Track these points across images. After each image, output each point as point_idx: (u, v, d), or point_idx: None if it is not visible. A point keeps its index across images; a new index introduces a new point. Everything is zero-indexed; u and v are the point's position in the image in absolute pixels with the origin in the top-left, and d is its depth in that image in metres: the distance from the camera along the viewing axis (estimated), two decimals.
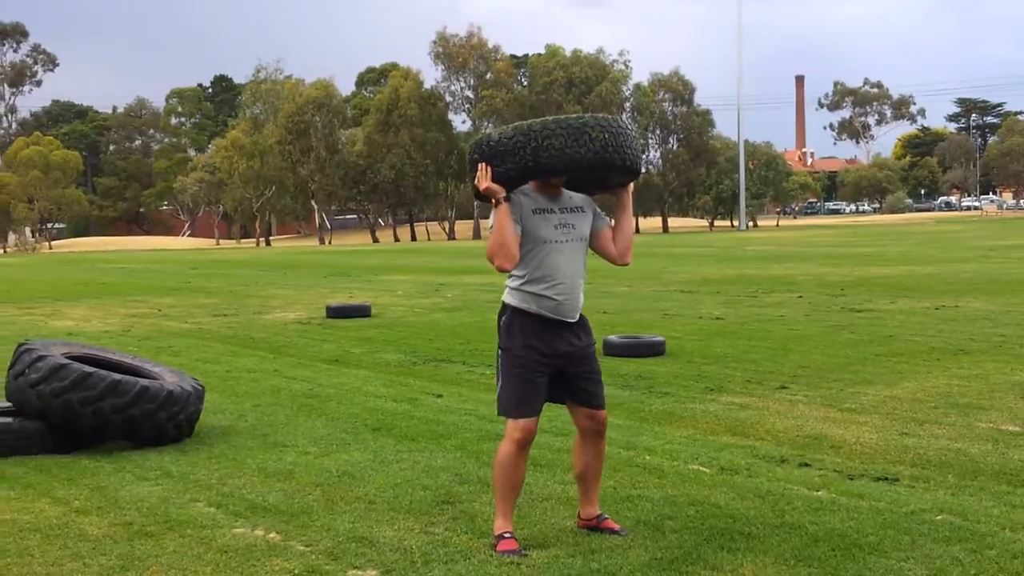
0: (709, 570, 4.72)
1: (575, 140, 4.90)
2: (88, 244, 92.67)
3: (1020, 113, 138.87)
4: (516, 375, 5.08)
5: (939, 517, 5.43)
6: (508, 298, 5.18)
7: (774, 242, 48.67)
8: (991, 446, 7.03)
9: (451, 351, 12.54)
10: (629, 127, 5.13)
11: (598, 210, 5.31)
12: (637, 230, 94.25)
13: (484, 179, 4.97)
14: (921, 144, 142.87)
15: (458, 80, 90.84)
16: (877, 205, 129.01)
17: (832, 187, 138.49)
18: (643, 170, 6.06)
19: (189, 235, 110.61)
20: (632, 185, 5.34)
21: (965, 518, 5.41)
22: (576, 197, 5.24)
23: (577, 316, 5.18)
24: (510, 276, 5.16)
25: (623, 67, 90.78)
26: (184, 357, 12.41)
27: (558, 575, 4.73)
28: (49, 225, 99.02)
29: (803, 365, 10.74)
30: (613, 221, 5.35)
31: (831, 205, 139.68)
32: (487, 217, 5.15)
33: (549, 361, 5.09)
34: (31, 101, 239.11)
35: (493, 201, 4.98)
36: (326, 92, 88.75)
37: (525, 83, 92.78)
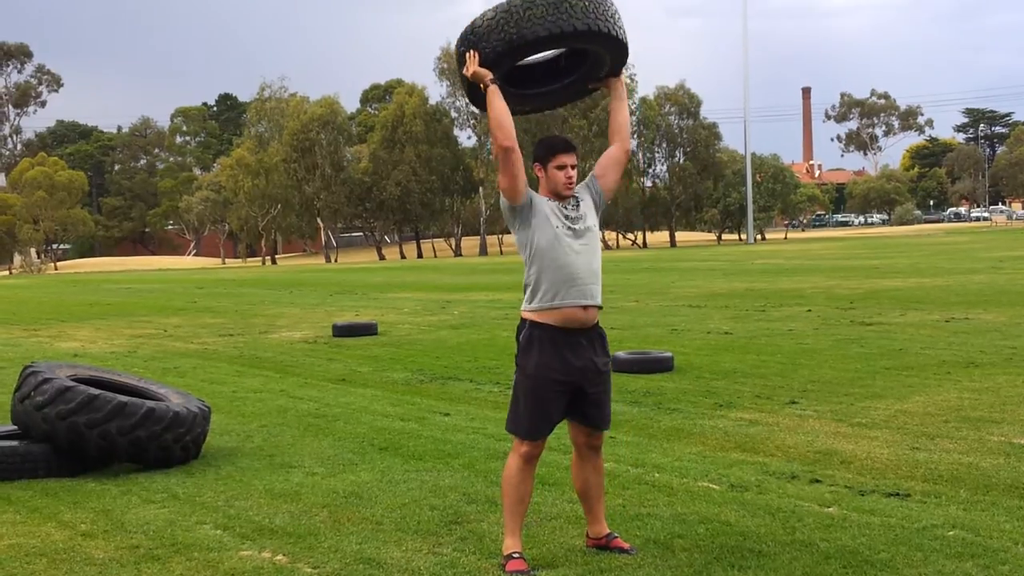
0: None
1: (555, 9, 4.95)
2: (94, 264, 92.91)
3: None
4: (529, 396, 5.07)
5: (951, 533, 5.39)
6: (526, 309, 5.16)
7: (782, 255, 48.62)
8: (1003, 460, 6.98)
9: (458, 369, 12.51)
10: None
11: (587, 178, 5.38)
12: (644, 244, 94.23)
13: (472, 64, 5.07)
14: (929, 155, 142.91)
15: (463, 96, 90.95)
16: (886, 217, 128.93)
17: (840, 199, 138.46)
18: (624, 66, 5.84)
19: (195, 254, 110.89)
20: (623, 74, 5.37)
21: (977, 533, 5.37)
22: (573, 194, 5.22)
23: (597, 300, 5.15)
24: (526, 283, 5.16)
25: (629, 81, 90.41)
26: (190, 378, 12.39)
27: None
28: (55, 246, 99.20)
29: (813, 380, 10.69)
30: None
31: (839, 217, 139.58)
32: (494, 233, 5.19)
33: (565, 380, 5.05)
34: (36, 122, 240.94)
35: (482, 86, 5.05)
36: (331, 109, 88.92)
37: None
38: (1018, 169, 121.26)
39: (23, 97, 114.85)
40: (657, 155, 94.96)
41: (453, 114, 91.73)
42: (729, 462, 7.18)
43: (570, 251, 5.06)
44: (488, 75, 5.03)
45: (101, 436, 7.20)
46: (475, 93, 5.14)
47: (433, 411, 9.63)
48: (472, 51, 5.06)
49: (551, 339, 5.05)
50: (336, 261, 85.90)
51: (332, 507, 6.28)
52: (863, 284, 25.34)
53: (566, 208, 5.14)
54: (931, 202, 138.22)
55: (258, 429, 8.97)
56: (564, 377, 5.04)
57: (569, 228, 5.09)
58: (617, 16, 5.14)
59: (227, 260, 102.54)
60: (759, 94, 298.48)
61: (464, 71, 5.10)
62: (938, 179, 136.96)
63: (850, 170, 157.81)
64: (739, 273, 33.54)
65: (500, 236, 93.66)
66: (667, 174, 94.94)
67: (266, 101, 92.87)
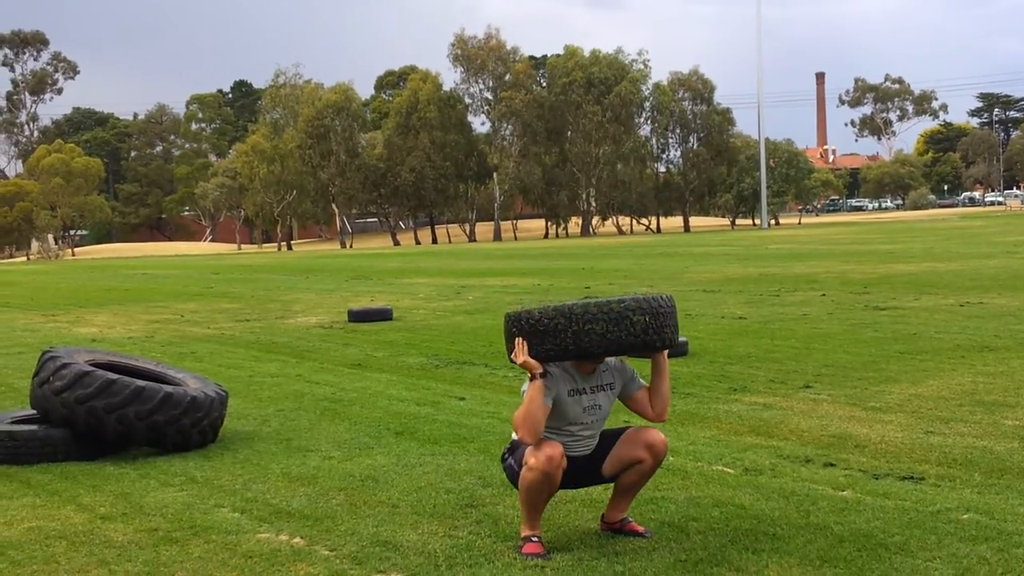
0: (734, 572, 4.70)
1: (616, 325, 4.87)
2: (110, 250, 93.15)
3: None
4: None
5: (965, 516, 5.40)
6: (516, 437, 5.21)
7: (796, 240, 48.51)
8: (1017, 444, 6.98)
9: (473, 353, 12.54)
10: (670, 305, 5.08)
11: (630, 372, 5.29)
12: (658, 230, 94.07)
13: (521, 354, 4.96)
14: (943, 139, 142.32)
15: (477, 82, 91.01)
16: (900, 201, 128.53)
17: (854, 184, 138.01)
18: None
19: (211, 240, 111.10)
20: (667, 351, 5.26)
21: (991, 517, 5.38)
22: (610, 369, 5.21)
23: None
24: None
25: (642, 67, 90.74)
26: (207, 363, 12.45)
27: None
28: (72, 232, 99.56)
29: (827, 364, 10.69)
30: (649, 383, 5.28)
31: (853, 202, 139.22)
32: (508, 219, 5.24)
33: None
34: (52, 109, 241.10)
35: (529, 375, 4.98)
36: (345, 96, 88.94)
37: (544, 84, 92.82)
38: None
39: (39, 84, 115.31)
40: (671, 141, 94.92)
41: (467, 100, 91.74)
42: (743, 446, 7.20)
43: (574, 444, 5.13)
44: (539, 368, 4.95)
45: (119, 420, 7.26)
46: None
47: (448, 395, 9.67)
48: (522, 339, 4.96)
49: None
50: (351, 247, 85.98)
51: (349, 490, 6.32)
52: (877, 269, 25.28)
53: (586, 391, 5.10)
54: (945, 187, 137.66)
55: (275, 413, 9.01)
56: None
57: (581, 431, 5.13)
58: (673, 321, 5.06)
59: (243, 246, 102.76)
60: (773, 79, 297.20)
61: (512, 356, 5.01)
62: (952, 164, 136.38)
63: (864, 155, 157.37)
64: (753, 258, 33.48)
65: (514, 221, 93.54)
66: (681, 159, 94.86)
67: (281, 88, 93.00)
